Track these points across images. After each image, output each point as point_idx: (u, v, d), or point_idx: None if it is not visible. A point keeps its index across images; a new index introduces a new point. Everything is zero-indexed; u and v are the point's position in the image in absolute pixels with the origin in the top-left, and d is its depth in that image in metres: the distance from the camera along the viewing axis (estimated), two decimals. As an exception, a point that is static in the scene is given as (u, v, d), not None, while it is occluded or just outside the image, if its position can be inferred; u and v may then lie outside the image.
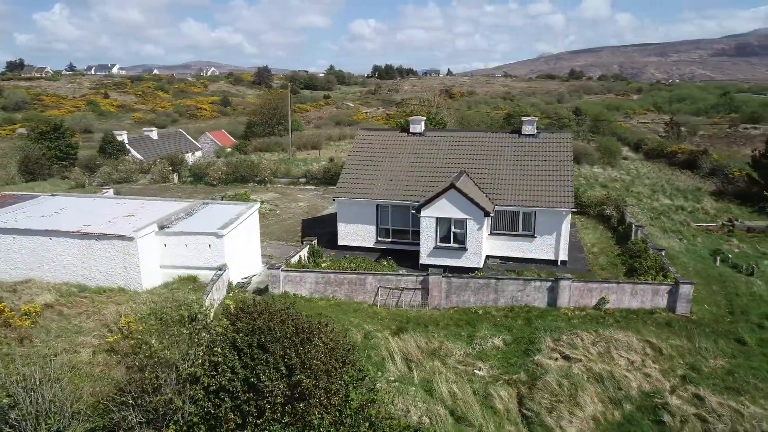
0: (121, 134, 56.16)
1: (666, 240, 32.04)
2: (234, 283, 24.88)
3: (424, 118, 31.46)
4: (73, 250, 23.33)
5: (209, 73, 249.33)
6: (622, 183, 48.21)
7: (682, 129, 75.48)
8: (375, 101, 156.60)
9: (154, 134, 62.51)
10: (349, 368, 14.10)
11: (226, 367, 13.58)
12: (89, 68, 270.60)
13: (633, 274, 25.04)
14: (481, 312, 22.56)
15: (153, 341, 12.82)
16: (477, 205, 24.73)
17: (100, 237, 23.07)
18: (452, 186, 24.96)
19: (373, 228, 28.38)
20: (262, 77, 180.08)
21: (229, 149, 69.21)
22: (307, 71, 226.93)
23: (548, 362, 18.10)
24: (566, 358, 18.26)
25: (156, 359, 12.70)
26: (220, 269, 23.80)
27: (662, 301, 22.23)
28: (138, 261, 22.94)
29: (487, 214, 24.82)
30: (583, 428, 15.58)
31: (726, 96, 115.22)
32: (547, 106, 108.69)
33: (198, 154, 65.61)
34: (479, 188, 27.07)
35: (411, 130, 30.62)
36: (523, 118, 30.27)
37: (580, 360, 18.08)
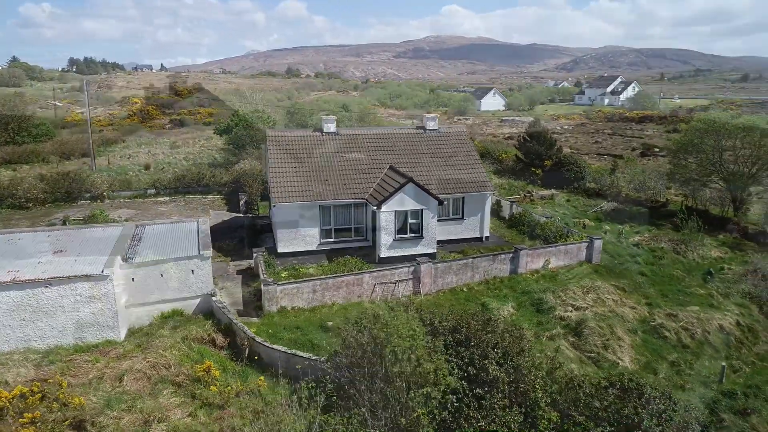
0: None
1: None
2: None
3: (335, 118, 31.65)
4: (7, 307, 17.60)
5: None
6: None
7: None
8: (91, 100, 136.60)
9: None
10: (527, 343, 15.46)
11: (446, 371, 13.62)
12: None
13: (537, 239, 30.78)
14: (465, 289, 25.15)
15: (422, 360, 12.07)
16: (432, 195, 26.97)
17: (52, 282, 17.88)
18: (410, 180, 26.61)
19: (317, 230, 27.85)
20: None
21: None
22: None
23: (568, 314, 22.02)
24: (577, 308, 22.45)
25: (419, 375, 12.05)
26: (213, 295, 20.87)
27: (583, 255, 28.37)
28: (114, 303, 18.61)
29: (440, 202, 27.29)
30: (632, 355, 19.99)
31: (433, 93, 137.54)
32: (286, 102, 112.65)
33: None
34: (413, 181, 29.21)
35: (325, 130, 30.56)
36: (425, 115, 33.26)
37: (587, 308, 22.50)
